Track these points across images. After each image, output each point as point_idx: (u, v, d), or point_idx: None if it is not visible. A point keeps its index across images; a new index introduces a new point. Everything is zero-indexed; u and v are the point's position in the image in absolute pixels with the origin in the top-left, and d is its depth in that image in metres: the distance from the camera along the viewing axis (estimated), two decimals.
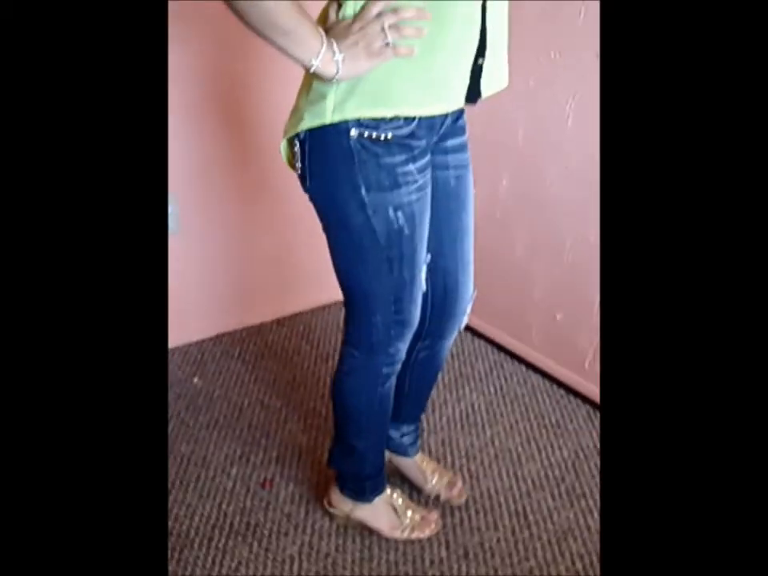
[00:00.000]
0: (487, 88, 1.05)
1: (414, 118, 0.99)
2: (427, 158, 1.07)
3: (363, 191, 1.01)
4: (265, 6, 0.86)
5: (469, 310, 1.34)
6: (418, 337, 1.27)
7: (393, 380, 1.27)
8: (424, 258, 1.14)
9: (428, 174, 1.08)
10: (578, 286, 1.77)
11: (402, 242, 1.07)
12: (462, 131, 1.18)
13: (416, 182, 1.04)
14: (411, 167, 1.03)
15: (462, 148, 1.19)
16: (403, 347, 1.21)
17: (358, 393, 1.27)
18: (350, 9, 0.94)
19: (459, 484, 1.50)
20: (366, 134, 0.98)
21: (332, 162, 1.02)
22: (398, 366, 1.25)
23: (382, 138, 0.98)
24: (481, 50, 0.99)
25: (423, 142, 1.04)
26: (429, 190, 1.09)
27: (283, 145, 1.11)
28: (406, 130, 1.00)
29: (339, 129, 0.98)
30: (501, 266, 2.01)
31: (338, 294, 2.32)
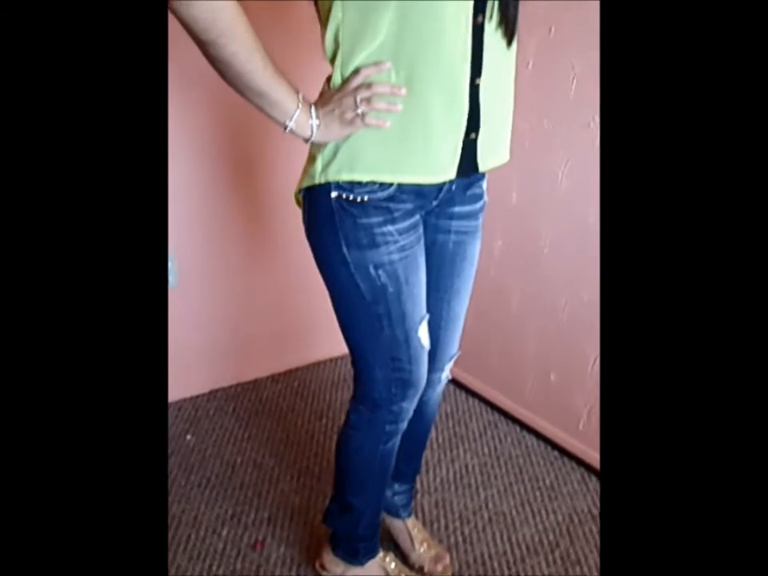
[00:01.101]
0: (484, 163, 1.09)
1: (391, 184, 1.03)
2: (412, 220, 1.09)
3: (345, 249, 1.06)
4: (239, 69, 0.92)
5: (449, 367, 1.36)
6: None
7: (396, 440, 1.27)
8: (419, 316, 1.14)
9: (415, 234, 1.10)
10: (571, 346, 1.79)
11: (388, 299, 1.09)
12: (474, 199, 1.20)
13: (397, 242, 1.07)
14: (390, 228, 1.06)
15: (470, 216, 1.21)
16: (408, 406, 1.21)
17: (361, 448, 1.27)
18: (337, 77, 0.99)
19: (446, 560, 1.48)
20: (344, 195, 1.03)
21: (320, 220, 1.07)
22: (403, 426, 1.25)
23: (358, 200, 1.03)
24: (473, 126, 1.03)
25: (407, 205, 1.07)
26: (417, 250, 1.11)
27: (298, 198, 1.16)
28: (381, 194, 1.03)
29: (324, 190, 1.04)
30: (495, 325, 2.03)
31: (332, 350, 2.37)
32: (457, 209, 1.18)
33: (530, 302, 1.90)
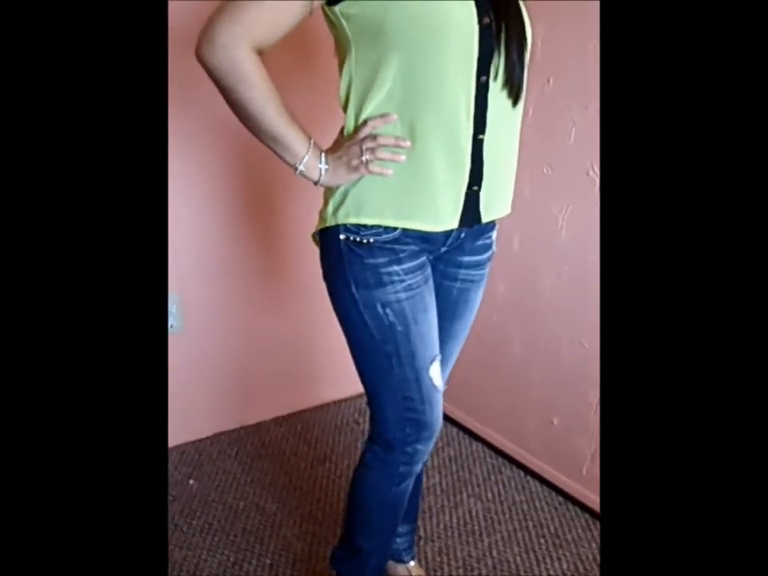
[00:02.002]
0: (487, 214, 1.12)
1: (395, 228, 1.07)
2: (419, 260, 1.12)
3: (354, 288, 1.10)
4: (254, 113, 1.00)
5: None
6: None
7: (409, 482, 1.27)
8: (430, 356, 1.15)
9: (421, 274, 1.12)
10: (573, 391, 1.79)
11: (397, 338, 1.11)
12: (483, 250, 1.23)
13: (403, 281, 1.10)
14: (396, 268, 1.09)
15: (478, 265, 1.24)
16: (423, 448, 1.21)
17: (373, 489, 1.27)
18: (350, 125, 1.06)
19: None
20: (352, 237, 1.08)
21: (331, 261, 1.13)
22: (417, 468, 1.25)
23: (364, 241, 1.08)
24: (476, 179, 1.07)
25: (413, 247, 1.10)
26: (424, 290, 1.13)
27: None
28: (386, 237, 1.08)
29: (334, 232, 1.09)
30: (498, 369, 2.03)
31: (335, 393, 2.38)
32: (466, 258, 1.21)
33: (532, 347, 1.91)
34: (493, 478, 1.96)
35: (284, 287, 2.17)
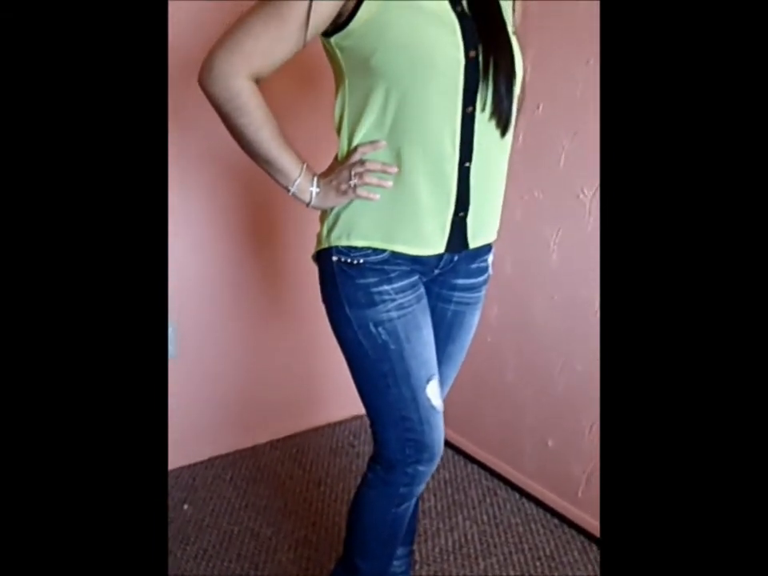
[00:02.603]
0: (474, 240, 1.15)
1: (384, 250, 1.11)
2: (410, 280, 1.14)
3: (347, 309, 1.13)
4: (250, 138, 1.06)
5: None
6: None
7: (410, 504, 1.27)
8: (426, 375, 1.16)
9: (413, 294, 1.14)
10: (568, 413, 1.80)
11: (391, 357, 1.13)
12: (478, 273, 1.25)
13: (394, 300, 1.12)
14: (386, 287, 1.12)
15: (473, 288, 1.26)
16: (424, 470, 1.21)
17: (373, 509, 1.27)
18: (342, 149, 1.11)
19: None
20: (343, 259, 1.12)
21: (326, 282, 1.16)
22: (418, 490, 1.25)
23: (355, 262, 1.11)
24: (462, 206, 1.09)
25: (403, 267, 1.12)
26: (417, 309, 1.15)
27: None
28: (375, 258, 1.11)
29: (328, 254, 1.13)
30: (492, 391, 2.04)
31: (330, 416, 2.38)
32: (460, 281, 1.23)
33: (525, 370, 1.92)
34: (488, 500, 1.96)
35: (278, 311, 2.18)
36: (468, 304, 1.27)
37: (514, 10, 1.15)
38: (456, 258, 1.18)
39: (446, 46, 1.01)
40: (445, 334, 1.27)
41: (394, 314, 1.12)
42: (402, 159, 1.05)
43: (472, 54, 1.02)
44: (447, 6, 1.03)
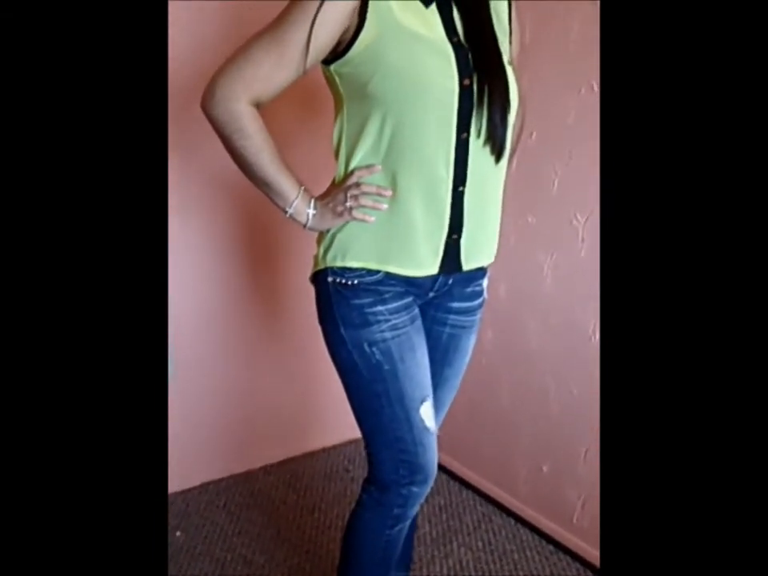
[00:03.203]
0: (468, 262, 1.16)
1: (378, 271, 1.12)
2: (404, 301, 1.15)
3: (342, 329, 1.14)
4: (248, 160, 1.08)
5: None
6: None
7: (403, 527, 1.26)
8: (420, 396, 1.16)
9: (407, 315, 1.16)
10: (563, 437, 1.79)
11: (385, 377, 1.14)
12: (473, 296, 1.26)
13: (388, 321, 1.13)
14: (380, 308, 1.13)
15: (468, 311, 1.26)
16: (418, 491, 1.21)
17: (367, 530, 1.27)
18: (340, 172, 1.14)
19: None
20: (338, 279, 1.13)
21: (321, 303, 1.18)
22: (411, 512, 1.25)
23: (349, 283, 1.13)
24: (456, 228, 1.11)
25: (397, 289, 1.14)
26: (411, 330, 1.16)
27: None
28: (370, 279, 1.13)
29: (324, 274, 1.15)
30: (487, 415, 2.03)
31: (324, 440, 2.37)
32: (455, 304, 1.24)
33: (520, 394, 1.92)
34: (483, 526, 1.95)
35: (275, 335, 2.18)
36: (463, 327, 1.27)
37: (510, 42, 1.18)
38: (451, 281, 1.19)
39: (441, 74, 1.04)
40: (441, 357, 1.28)
41: (387, 334, 1.13)
42: (396, 183, 1.08)
43: (466, 82, 1.05)
44: (443, 35, 1.06)
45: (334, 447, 2.36)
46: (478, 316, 1.30)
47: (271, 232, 2.03)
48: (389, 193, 1.09)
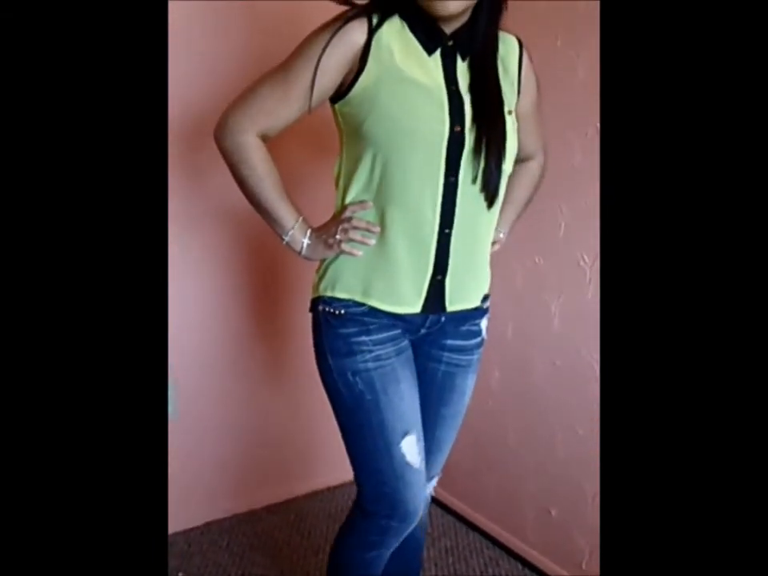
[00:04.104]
0: (452, 304, 1.19)
1: (363, 303, 1.16)
2: (389, 333, 1.18)
3: (329, 357, 1.18)
4: (250, 189, 1.16)
5: (431, 486, 1.37)
6: None
7: (382, 553, 1.28)
8: (402, 429, 1.17)
9: (393, 347, 1.18)
10: (571, 481, 1.77)
11: (367, 407, 1.16)
12: (468, 336, 1.27)
13: (371, 351, 1.16)
14: (365, 338, 1.16)
15: (462, 350, 1.27)
16: (397, 525, 1.22)
17: (345, 549, 1.30)
18: (337, 205, 1.20)
19: None
20: (327, 308, 1.18)
21: (314, 330, 1.22)
22: (391, 542, 1.26)
23: (337, 313, 1.17)
24: (441, 269, 1.15)
25: (384, 321, 1.17)
26: (396, 362, 1.18)
27: None
28: (356, 310, 1.17)
29: (317, 303, 1.21)
30: (494, 457, 2.01)
31: (329, 480, 2.34)
32: (449, 341, 1.25)
33: (527, 435, 1.90)
34: (490, 570, 1.91)
35: (278, 374, 2.17)
36: (458, 366, 1.28)
37: (519, 92, 1.20)
38: (443, 319, 1.21)
39: (432, 119, 1.07)
40: (437, 395, 1.29)
41: (371, 364, 1.16)
42: (384, 220, 1.12)
43: (457, 128, 1.08)
44: (441, 83, 1.10)
45: (340, 486, 2.34)
46: (476, 356, 1.30)
47: (276, 269, 2.04)
48: (377, 229, 1.13)
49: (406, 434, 1.17)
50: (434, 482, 1.39)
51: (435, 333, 1.23)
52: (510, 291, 1.88)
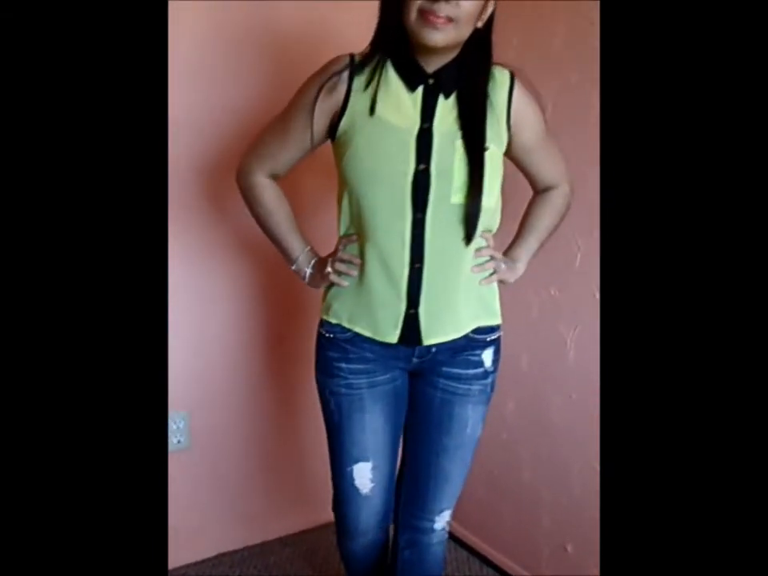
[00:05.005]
0: (428, 337, 1.24)
1: (349, 330, 1.26)
2: (367, 366, 1.27)
3: (318, 372, 1.33)
4: (261, 223, 1.34)
5: (444, 519, 1.39)
6: (397, 530, 1.42)
7: (354, 548, 1.47)
8: (355, 457, 1.30)
9: (366, 379, 1.27)
10: (587, 516, 1.74)
11: (334, 425, 1.31)
12: (465, 365, 1.28)
13: (345, 378, 1.27)
14: (343, 365, 1.27)
15: (459, 378, 1.29)
16: (345, 542, 1.47)
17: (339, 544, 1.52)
18: (338, 236, 1.28)
19: None
20: (321, 330, 1.31)
21: (315, 346, 1.34)
22: (351, 546, 1.45)
23: (326, 335, 1.29)
24: (413, 303, 1.20)
25: (365, 353, 1.26)
26: (366, 394, 1.28)
27: None
28: (342, 336, 1.27)
29: (319, 323, 1.33)
30: (508, 490, 1.99)
31: None
32: (445, 369, 1.29)
33: (542, 469, 1.88)
34: None
35: (292, 403, 2.17)
36: (455, 394, 1.30)
37: (509, 127, 1.22)
38: (434, 349, 1.25)
39: (394, 159, 1.14)
40: (436, 423, 1.31)
41: (343, 390, 1.28)
42: (364, 254, 1.21)
43: (422, 166, 1.14)
44: (414, 122, 1.15)
45: None
46: (476, 387, 1.31)
47: (289, 303, 2.05)
48: (357, 261, 1.22)
49: (358, 460, 1.31)
50: (447, 516, 1.38)
51: (430, 360, 1.27)
52: (525, 322, 1.87)
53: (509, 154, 1.28)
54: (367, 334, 1.24)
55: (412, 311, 1.20)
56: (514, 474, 1.96)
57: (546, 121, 1.31)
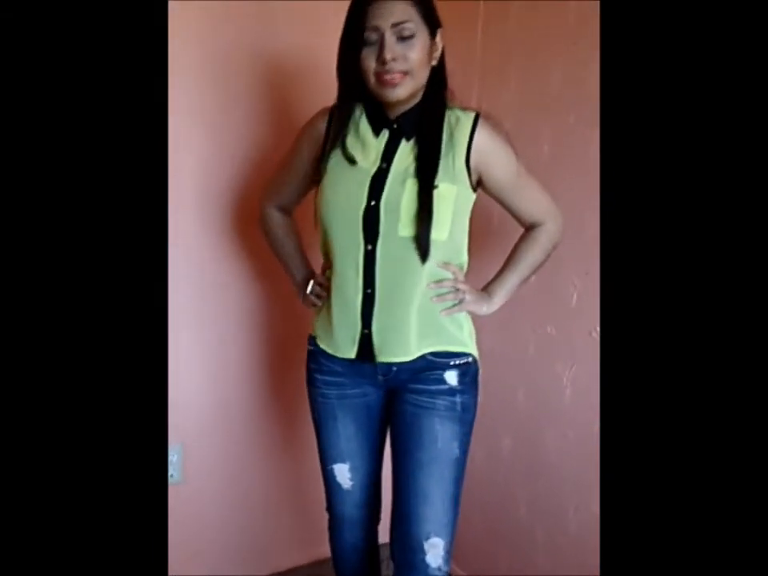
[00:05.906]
0: (381, 355, 1.35)
1: (319, 345, 1.43)
2: (336, 379, 1.43)
3: (306, 382, 1.50)
4: (273, 248, 1.61)
5: (436, 553, 1.35)
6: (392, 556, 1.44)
7: (342, 544, 1.59)
8: (332, 458, 1.48)
9: (336, 391, 1.44)
10: (584, 555, 1.72)
11: (316, 429, 1.50)
12: (430, 381, 1.36)
13: (319, 388, 1.46)
14: (318, 376, 1.46)
15: (425, 392, 1.36)
16: (333, 534, 1.61)
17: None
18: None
19: None
20: (308, 344, 1.49)
21: None
22: (340, 538, 1.58)
23: (309, 348, 1.49)
24: (366, 324, 1.33)
25: (335, 367, 1.42)
26: (336, 404, 1.44)
27: None
28: (316, 349, 1.45)
29: None
30: (503, 528, 1.97)
31: None
32: (410, 385, 1.38)
33: (538, 508, 1.86)
34: None
35: (288, 434, 2.16)
36: (421, 407, 1.36)
37: (469, 161, 1.29)
38: (395, 368, 1.36)
39: (350, 195, 1.29)
40: (409, 437, 1.37)
41: (319, 398, 1.46)
42: (330, 279, 1.37)
43: (372, 203, 1.27)
44: (373, 162, 1.30)
45: None
46: (442, 401, 1.35)
47: (285, 325, 2.05)
48: (326, 285, 1.40)
49: (336, 461, 1.48)
50: (438, 547, 1.35)
51: (393, 380, 1.38)
52: (521, 360, 1.87)
53: (486, 191, 1.39)
54: (330, 351, 1.40)
55: (366, 331, 1.34)
56: (509, 512, 1.94)
57: (520, 160, 1.38)
